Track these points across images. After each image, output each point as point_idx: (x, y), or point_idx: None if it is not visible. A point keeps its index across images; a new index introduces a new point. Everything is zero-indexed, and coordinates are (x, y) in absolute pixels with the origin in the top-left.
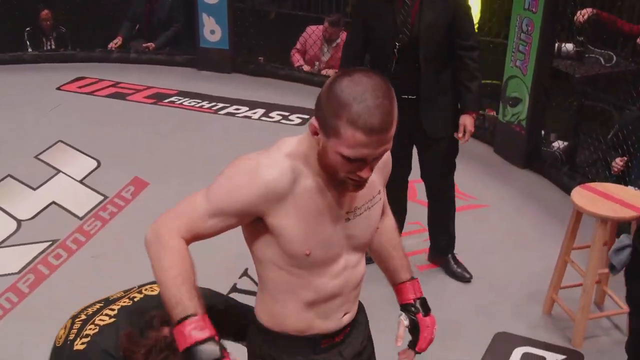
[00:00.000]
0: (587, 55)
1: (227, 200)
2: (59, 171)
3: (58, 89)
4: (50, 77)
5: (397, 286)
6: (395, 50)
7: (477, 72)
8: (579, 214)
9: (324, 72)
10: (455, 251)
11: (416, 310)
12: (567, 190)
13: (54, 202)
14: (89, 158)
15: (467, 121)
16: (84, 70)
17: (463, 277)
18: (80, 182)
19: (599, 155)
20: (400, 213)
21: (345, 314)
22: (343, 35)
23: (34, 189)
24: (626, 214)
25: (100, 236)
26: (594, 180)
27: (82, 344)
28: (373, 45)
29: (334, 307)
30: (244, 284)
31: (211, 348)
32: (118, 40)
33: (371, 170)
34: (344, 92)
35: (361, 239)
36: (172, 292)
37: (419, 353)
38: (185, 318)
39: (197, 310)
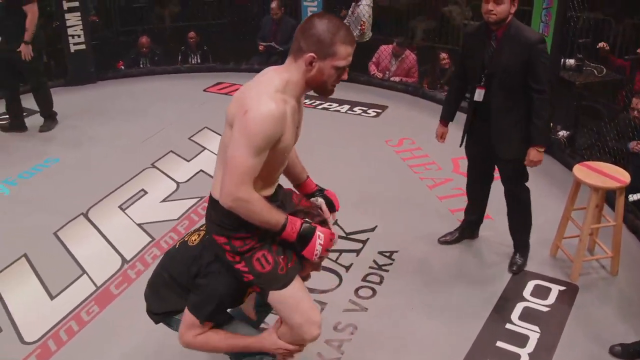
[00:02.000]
0: (584, 68)
1: (265, 140)
2: (204, 148)
3: (204, 90)
4: (199, 82)
5: (302, 183)
6: (482, 82)
7: (543, 112)
8: (577, 184)
9: (392, 79)
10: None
11: (322, 191)
12: (569, 167)
13: (201, 170)
14: None
15: (531, 153)
16: (222, 77)
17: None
18: None
19: (591, 141)
20: (480, 212)
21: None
22: (406, 52)
23: (188, 161)
24: (613, 184)
25: None
26: (589, 160)
27: (194, 241)
28: (469, 74)
29: (275, 180)
30: (335, 230)
31: (305, 229)
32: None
33: (346, 75)
34: (328, 27)
35: (296, 139)
36: (271, 221)
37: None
38: (284, 226)
39: (285, 214)
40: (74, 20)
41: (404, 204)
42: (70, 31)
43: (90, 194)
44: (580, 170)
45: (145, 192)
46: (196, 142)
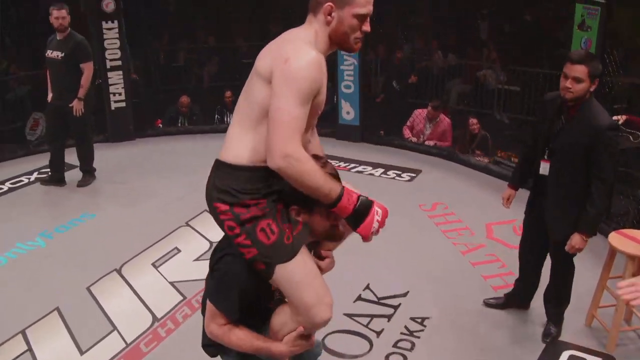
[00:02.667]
0: (620, 134)
1: (309, 89)
2: None
3: None
4: None
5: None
6: (545, 155)
7: (599, 200)
8: (613, 252)
9: (426, 142)
10: None
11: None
12: (605, 234)
13: None
14: None
15: (574, 239)
16: None
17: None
18: None
19: (628, 209)
20: (529, 283)
21: None
22: (441, 116)
23: None
24: None
25: None
26: (624, 227)
27: None
28: (537, 144)
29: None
30: (367, 295)
31: (362, 202)
32: None
33: (369, 27)
34: None
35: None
36: (324, 187)
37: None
38: (340, 195)
39: (341, 186)
40: (115, 79)
41: (437, 269)
42: (111, 89)
43: (124, 250)
44: (616, 238)
45: (179, 251)
46: None
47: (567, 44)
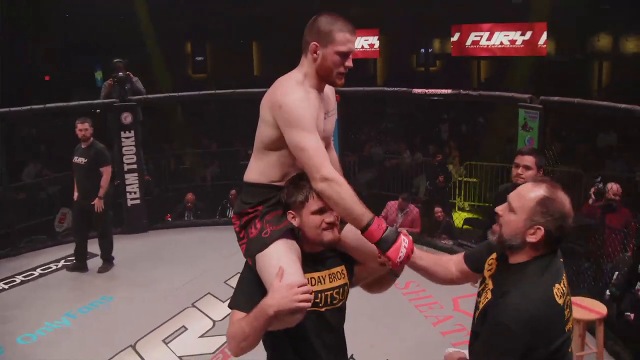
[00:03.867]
0: None
1: (309, 120)
2: None
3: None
4: (233, 234)
5: None
6: None
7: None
8: None
9: (398, 230)
10: None
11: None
12: None
13: None
14: None
15: None
16: None
17: None
18: None
19: (571, 279)
20: None
21: None
22: (410, 206)
23: (223, 302)
24: (592, 316)
25: None
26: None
27: None
28: None
29: None
30: None
31: (391, 230)
32: None
33: (351, 63)
34: (328, 20)
35: (329, 132)
36: (357, 210)
37: None
38: (371, 221)
39: (373, 215)
40: (131, 179)
41: (411, 338)
42: (128, 188)
43: (138, 328)
44: None
45: (186, 329)
46: (230, 286)
47: (514, 141)
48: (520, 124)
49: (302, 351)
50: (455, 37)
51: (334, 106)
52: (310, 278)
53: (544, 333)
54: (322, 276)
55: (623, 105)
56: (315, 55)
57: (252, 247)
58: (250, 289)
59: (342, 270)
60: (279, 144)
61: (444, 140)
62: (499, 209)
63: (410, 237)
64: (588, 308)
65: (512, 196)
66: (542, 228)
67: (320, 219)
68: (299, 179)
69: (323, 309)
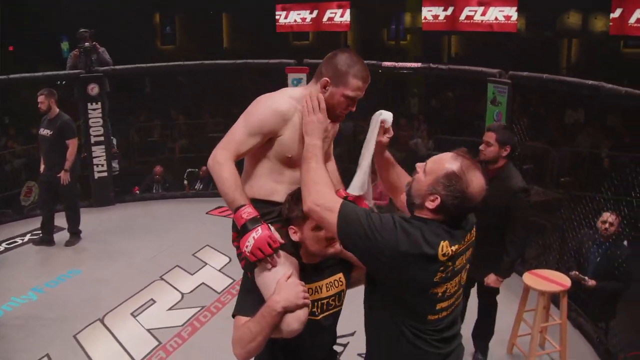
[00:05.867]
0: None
1: (258, 124)
2: (206, 264)
3: (207, 213)
4: (202, 205)
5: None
6: None
7: (513, 252)
8: (527, 289)
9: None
10: None
11: None
12: (520, 275)
13: (203, 283)
14: (224, 256)
15: (491, 278)
16: (223, 202)
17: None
18: (219, 270)
19: (539, 253)
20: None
21: None
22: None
23: (192, 274)
24: (557, 288)
25: (230, 304)
26: (536, 268)
27: None
28: None
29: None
30: None
31: (252, 221)
32: None
33: (354, 108)
34: (347, 61)
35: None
36: (229, 195)
37: None
38: (239, 207)
39: (246, 201)
40: (98, 152)
41: None
42: (95, 161)
43: (106, 302)
44: (529, 278)
45: (154, 301)
46: (199, 258)
47: (483, 116)
48: (489, 98)
49: (296, 353)
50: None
51: (334, 130)
52: (308, 289)
53: (403, 264)
54: (319, 286)
55: (590, 82)
56: (324, 89)
57: (251, 263)
58: (252, 296)
59: (340, 278)
60: (261, 151)
61: (413, 115)
62: (419, 165)
63: (272, 234)
64: (552, 280)
65: (431, 159)
66: (439, 198)
67: (321, 234)
68: (300, 193)
69: (319, 317)
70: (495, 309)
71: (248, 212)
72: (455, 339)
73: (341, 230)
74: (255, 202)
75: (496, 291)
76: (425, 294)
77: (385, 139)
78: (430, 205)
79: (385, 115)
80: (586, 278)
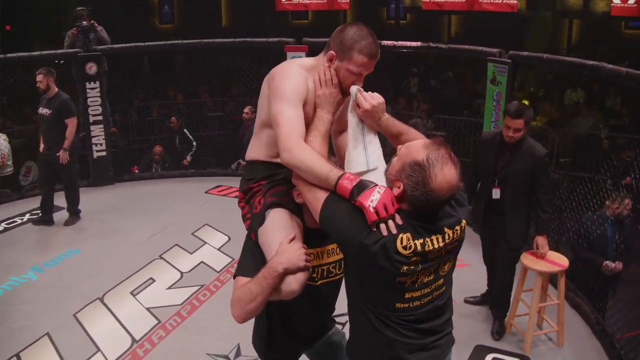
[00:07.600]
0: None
1: (293, 92)
2: (205, 242)
3: (206, 192)
4: (201, 185)
5: None
6: (496, 182)
7: (548, 207)
8: (525, 270)
9: None
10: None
11: None
12: None
13: (202, 262)
14: (223, 235)
15: (539, 240)
16: (222, 181)
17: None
18: (218, 249)
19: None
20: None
21: None
22: None
23: (191, 253)
24: (554, 269)
25: (229, 283)
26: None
27: None
28: (481, 175)
29: None
30: None
31: (366, 180)
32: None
33: (361, 83)
34: (354, 36)
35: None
36: (322, 171)
37: None
38: (340, 177)
39: (341, 170)
40: (97, 131)
41: None
42: (94, 140)
43: (106, 281)
44: (528, 258)
45: (154, 280)
46: (198, 237)
47: (482, 95)
48: (488, 77)
49: (291, 318)
50: None
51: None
52: (310, 254)
53: (364, 252)
54: (320, 252)
55: (590, 62)
56: (330, 63)
57: (255, 222)
58: (254, 259)
59: None
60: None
61: (412, 94)
62: (399, 147)
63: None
64: (551, 261)
65: (407, 144)
66: (402, 186)
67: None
68: None
69: (318, 283)
70: (513, 278)
71: (351, 177)
72: (436, 333)
73: (325, 206)
74: (262, 164)
75: (517, 260)
76: (390, 282)
77: (359, 111)
78: (395, 191)
79: (352, 89)
80: (614, 264)
